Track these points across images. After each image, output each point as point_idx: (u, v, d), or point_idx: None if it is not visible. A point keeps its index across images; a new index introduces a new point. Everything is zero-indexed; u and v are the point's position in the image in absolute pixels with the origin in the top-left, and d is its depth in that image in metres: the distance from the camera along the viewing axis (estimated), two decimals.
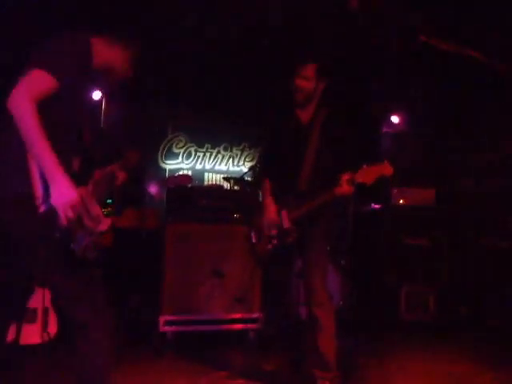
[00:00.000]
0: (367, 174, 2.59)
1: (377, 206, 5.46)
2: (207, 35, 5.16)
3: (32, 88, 1.77)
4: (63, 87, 1.84)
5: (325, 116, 2.89)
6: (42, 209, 1.82)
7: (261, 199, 3.13)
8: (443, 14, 4.23)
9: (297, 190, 2.87)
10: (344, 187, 2.62)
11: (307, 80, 2.80)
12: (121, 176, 2.40)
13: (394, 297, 5.02)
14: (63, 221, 1.80)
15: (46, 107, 1.79)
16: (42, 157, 1.76)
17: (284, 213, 2.86)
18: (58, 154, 1.78)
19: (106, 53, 2.07)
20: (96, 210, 2.04)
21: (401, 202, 5.37)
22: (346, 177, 2.62)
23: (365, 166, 2.60)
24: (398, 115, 6.80)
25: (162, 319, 3.80)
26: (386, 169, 2.58)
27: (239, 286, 3.99)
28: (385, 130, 6.83)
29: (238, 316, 3.99)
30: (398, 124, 6.82)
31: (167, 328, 3.81)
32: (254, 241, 3.00)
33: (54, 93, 1.83)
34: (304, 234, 2.84)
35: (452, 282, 5.27)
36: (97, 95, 6.00)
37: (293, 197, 2.87)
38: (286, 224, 2.83)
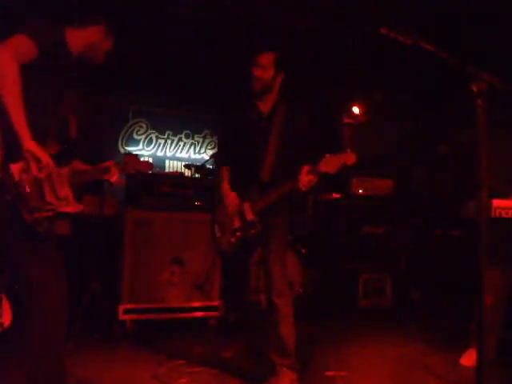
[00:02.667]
0: (330, 164, 2.58)
1: (337, 196, 5.55)
2: (168, 18, 5.08)
3: (14, 47, 1.94)
4: (40, 62, 2.00)
5: (285, 108, 2.87)
6: None
7: (218, 188, 3.06)
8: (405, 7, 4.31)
9: (260, 181, 2.85)
10: (307, 177, 2.61)
11: (264, 69, 2.74)
12: (115, 174, 2.47)
13: (353, 284, 5.14)
14: (33, 169, 1.95)
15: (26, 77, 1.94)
16: (15, 113, 1.90)
17: (247, 204, 2.84)
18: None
19: (83, 36, 2.24)
20: (65, 191, 2.14)
21: (360, 191, 5.48)
22: (308, 167, 2.62)
23: (328, 156, 2.59)
24: (359, 106, 6.91)
25: (122, 307, 3.76)
26: (349, 158, 2.58)
27: (199, 273, 4.00)
28: (345, 120, 6.92)
29: (198, 304, 4.00)
30: (359, 115, 6.93)
31: (126, 316, 3.78)
32: (218, 235, 2.96)
33: (32, 66, 1.97)
34: (265, 223, 2.84)
35: (407, 268, 5.44)
36: None
37: (255, 188, 2.85)
38: (250, 216, 2.81)
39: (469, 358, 3.25)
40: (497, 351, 3.14)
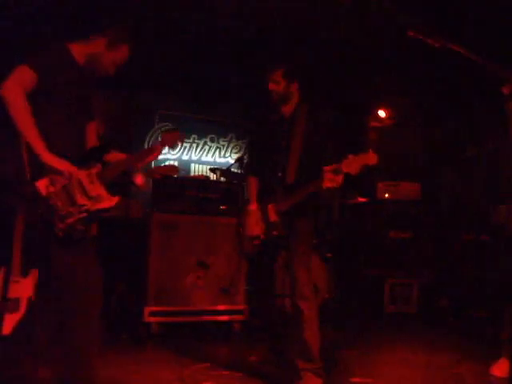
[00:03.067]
0: (352, 164, 2.58)
1: (363, 200, 5.50)
2: (194, 24, 5.12)
3: (18, 77, 2.15)
4: (49, 82, 2.20)
5: (306, 109, 2.95)
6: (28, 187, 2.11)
7: (247, 200, 3.15)
8: (432, 9, 4.25)
9: (284, 182, 2.88)
10: (330, 177, 2.62)
11: (276, 83, 2.90)
12: (140, 177, 2.81)
13: (379, 289, 5.08)
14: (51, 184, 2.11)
15: (39, 102, 2.17)
16: (28, 133, 2.10)
17: (270, 206, 2.88)
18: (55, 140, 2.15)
19: (85, 50, 2.37)
20: (97, 189, 2.26)
21: (386, 196, 5.41)
22: (331, 167, 2.62)
23: (350, 156, 2.60)
24: (385, 109, 6.84)
25: (147, 310, 3.79)
26: (371, 158, 2.58)
27: (224, 277, 4.00)
28: (371, 124, 6.86)
29: (223, 307, 4.00)
30: (384, 118, 6.86)
31: (152, 318, 3.81)
32: (242, 237, 3.02)
33: (42, 86, 2.18)
34: (290, 227, 2.85)
35: (434, 274, 5.35)
36: None
37: (280, 190, 2.88)
38: (273, 217, 2.85)
39: (500, 369, 3.16)
40: None
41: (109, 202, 2.31)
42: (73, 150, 2.29)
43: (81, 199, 2.19)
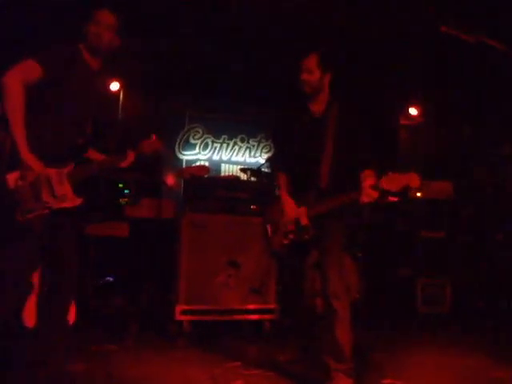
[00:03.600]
0: (393, 182, 2.53)
1: (394, 199, 5.42)
2: (224, 25, 5.16)
3: (21, 71, 2.26)
4: (51, 78, 2.32)
5: (338, 109, 2.86)
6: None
7: (278, 193, 3.09)
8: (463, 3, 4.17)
9: (317, 187, 2.83)
10: (369, 193, 2.57)
11: (309, 72, 2.78)
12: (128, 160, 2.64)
13: (410, 289, 5.00)
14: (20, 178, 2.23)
15: (38, 95, 2.30)
16: (16, 129, 2.21)
17: (303, 209, 2.84)
18: (44, 135, 2.32)
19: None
20: (64, 189, 2.38)
21: (418, 195, 5.33)
22: (370, 182, 2.58)
23: (391, 174, 2.53)
24: (416, 107, 6.73)
25: (178, 308, 3.84)
26: (414, 180, 2.53)
27: (255, 276, 4.01)
28: (402, 122, 6.77)
29: (253, 307, 4.01)
30: (416, 116, 6.75)
31: (183, 317, 3.85)
32: (269, 235, 3.00)
33: (45, 81, 2.30)
34: (321, 227, 2.82)
35: (468, 275, 5.23)
36: (115, 86, 6.06)
37: (312, 194, 2.84)
38: (305, 221, 2.82)
39: None
40: None
41: (72, 202, 2.42)
42: (57, 146, 2.41)
43: (46, 196, 2.31)
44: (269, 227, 3.01)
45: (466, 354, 3.67)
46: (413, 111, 6.76)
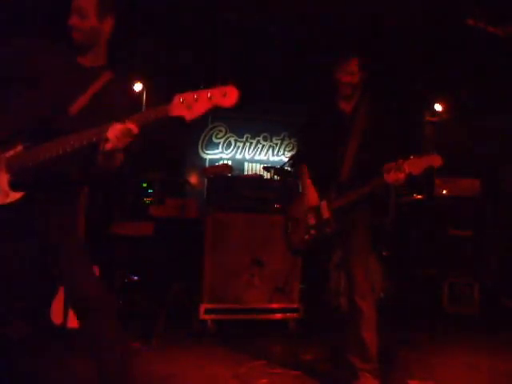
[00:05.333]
0: (416, 165, 2.54)
1: (419, 197, 5.35)
2: (245, 23, 5.16)
3: None
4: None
5: (368, 107, 2.87)
6: None
7: (300, 184, 3.08)
8: None
9: (338, 180, 2.83)
10: (395, 173, 2.56)
11: (352, 75, 2.80)
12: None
13: (437, 289, 4.92)
14: None
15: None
16: None
17: (324, 203, 2.84)
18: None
19: None
20: None
21: (444, 192, 5.24)
22: (394, 164, 2.57)
23: (413, 157, 2.55)
24: (441, 103, 6.62)
25: (203, 307, 3.85)
26: (436, 160, 2.55)
27: (279, 275, 4.00)
28: (427, 118, 6.66)
29: (277, 306, 4.00)
30: (441, 112, 6.64)
31: (207, 316, 3.86)
32: (289, 230, 3.01)
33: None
34: (345, 224, 2.81)
35: (497, 273, 5.12)
36: (138, 87, 6.11)
37: (334, 187, 2.83)
38: (326, 214, 2.81)
39: None
40: None
41: (3, 198, 1.90)
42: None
43: None
44: (289, 224, 3.02)
45: (495, 356, 3.59)
46: (438, 107, 6.65)
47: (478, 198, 5.24)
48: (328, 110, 2.97)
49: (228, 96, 1.73)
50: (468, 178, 5.32)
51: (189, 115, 1.77)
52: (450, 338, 4.11)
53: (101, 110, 1.99)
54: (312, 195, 2.90)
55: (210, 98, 1.72)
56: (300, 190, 3.08)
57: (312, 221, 2.87)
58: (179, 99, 1.74)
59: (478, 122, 6.19)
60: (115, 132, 1.78)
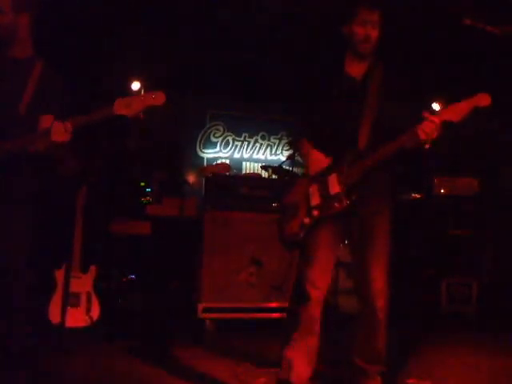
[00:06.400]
0: (455, 111, 2.22)
1: (417, 196, 5.35)
2: (246, 24, 5.16)
3: None
4: None
5: (382, 70, 2.52)
6: None
7: (302, 155, 2.65)
8: None
9: (354, 151, 2.41)
10: (427, 124, 2.17)
11: (375, 28, 2.40)
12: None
13: (435, 288, 4.92)
14: None
15: None
16: None
17: (334, 176, 2.40)
18: None
19: None
20: None
21: (442, 191, 5.24)
22: (426, 113, 2.21)
23: (450, 105, 2.22)
24: (439, 103, 6.62)
25: (201, 306, 3.85)
26: (483, 99, 2.21)
27: (277, 274, 4.00)
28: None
29: (275, 305, 4.00)
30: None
31: (206, 315, 3.86)
32: (284, 219, 2.56)
33: None
34: (364, 204, 2.41)
35: (495, 273, 5.13)
36: (135, 86, 6.11)
37: (347, 158, 2.41)
38: (336, 189, 2.37)
39: None
40: None
41: None
42: None
43: None
44: (285, 212, 2.57)
45: (494, 355, 3.59)
46: (436, 106, 6.65)
47: (477, 197, 5.24)
48: (333, 77, 2.56)
49: (157, 98, 2.09)
50: (467, 177, 5.33)
51: (128, 113, 2.08)
52: (447, 338, 4.11)
53: (43, 105, 2.17)
54: (317, 164, 2.49)
55: (144, 100, 2.09)
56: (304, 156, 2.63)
57: (315, 199, 2.44)
58: (120, 101, 2.07)
59: (478, 122, 6.20)
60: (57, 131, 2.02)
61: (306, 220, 2.44)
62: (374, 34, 2.40)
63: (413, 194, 5.36)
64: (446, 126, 2.20)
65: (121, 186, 4.90)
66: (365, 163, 2.35)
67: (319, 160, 2.50)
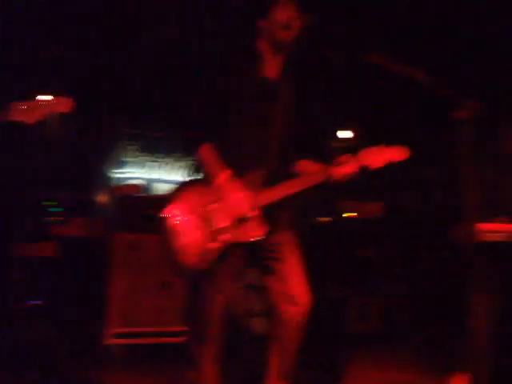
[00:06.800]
0: (375, 157, 2.18)
1: (324, 219, 5.56)
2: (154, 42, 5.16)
3: None
4: None
5: (298, 69, 2.35)
6: None
7: (205, 171, 2.20)
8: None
9: (266, 165, 2.18)
10: (345, 167, 2.14)
11: (297, 17, 2.15)
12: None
13: (341, 308, 5.10)
14: None
15: None
16: None
17: (247, 194, 2.10)
18: None
19: None
20: None
21: (348, 214, 5.50)
22: (346, 156, 2.18)
23: (370, 148, 2.19)
24: (351, 129, 6.98)
25: (109, 331, 3.71)
26: (403, 154, 2.19)
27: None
28: (333, 145, 6.96)
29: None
30: (351, 139, 7.00)
31: (114, 340, 3.72)
32: (178, 244, 2.10)
33: None
34: (274, 226, 2.20)
35: (397, 292, 5.42)
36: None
37: (259, 174, 2.17)
38: (251, 210, 2.08)
39: (458, 381, 3.22)
40: (490, 377, 3.11)
41: None
42: None
43: None
44: (172, 232, 2.13)
45: (397, 370, 3.81)
46: (345, 134, 6.99)
47: (381, 220, 5.56)
48: (242, 77, 2.24)
49: (62, 104, 1.88)
50: (373, 202, 5.64)
51: (27, 119, 1.86)
52: (352, 356, 4.26)
53: None
54: (222, 177, 2.09)
55: (46, 106, 1.87)
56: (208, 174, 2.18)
57: (223, 221, 2.08)
58: (17, 105, 1.85)
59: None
60: None
61: (212, 245, 2.06)
62: (298, 23, 2.16)
63: (322, 218, 5.56)
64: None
65: (20, 207, 4.63)
66: (280, 190, 2.16)
67: (224, 172, 2.13)
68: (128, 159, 7.00)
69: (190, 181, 2.22)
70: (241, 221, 2.09)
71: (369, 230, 5.47)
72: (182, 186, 2.22)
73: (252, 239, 2.09)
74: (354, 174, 2.18)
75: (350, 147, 6.88)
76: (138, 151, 7.04)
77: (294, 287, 2.33)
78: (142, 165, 7.07)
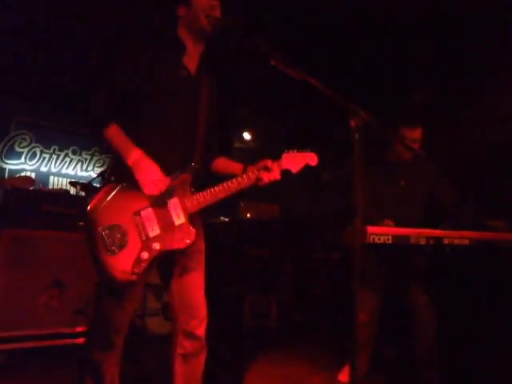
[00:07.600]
0: (294, 161, 2.29)
1: (224, 219, 5.64)
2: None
3: None
4: None
5: (213, 66, 2.32)
6: None
7: (119, 151, 2.06)
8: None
9: (189, 166, 2.12)
10: (273, 172, 2.22)
11: (217, 6, 2.14)
12: None
13: (238, 306, 5.21)
14: None
15: None
16: None
17: (176, 201, 2.04)
18: None
19: None
20: None
21: (248, 215, 5.62)
22: (269, 162, 2.24)
23: (291, 152, 2.30)
24: (250, 132, 7.13)
25: None
26: (313, 159, 2.32)
27: (81, 297, 3.80)
28: (236, 145, 7.08)
29: (82, 329, 3.79)
30: (250, 140, 7.14)
31: None
32: (107, 254, 1.94)
33: None
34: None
35: (290, 290, 5.65)
36: None
37: (188, 175, 2.10)
38: (181, 219, 2.03)
39: (345, 374, 3.44)
40: (369, 366, 3.37)
41: None
42: None
43: None
44: (99, 239, 1.93)
45: (288, 364, 3.98)
46: (246, 135, 7.14)
47: (277, 221, 5.75)
48: (162, 61, 2.14)
49: None
50: (269, 203, 5.82)
51: None
52: (247, 352, 4.38)
53: None
54: (150, 178, 1.99)
55: None
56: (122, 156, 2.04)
57: (154, 228, 2.00)
58: None
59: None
60: None
61: (145, 255, 1.98)
62: (217, 11, 2.13)
63: (221, 218, 5.63)
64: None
65: None
66: (209, 194, 2.10)
67: (153, 173, 2.01)
68: (19, 149, 6.57)
69: (114, 185, 2.01)
70: (170, 228, 2.03)
71: (265, 231, 5.63)
72: (105, 190, 2.02)
73: (181, 247, 2.05)
74: (276, 178, 2.25)
75: (249, 148, 7.03)
76: (30, 141, 6.63)
77: (196, 299, 2.30)
78: (36, 156, 6.66)
